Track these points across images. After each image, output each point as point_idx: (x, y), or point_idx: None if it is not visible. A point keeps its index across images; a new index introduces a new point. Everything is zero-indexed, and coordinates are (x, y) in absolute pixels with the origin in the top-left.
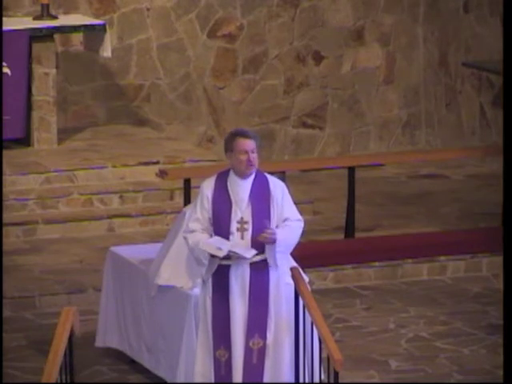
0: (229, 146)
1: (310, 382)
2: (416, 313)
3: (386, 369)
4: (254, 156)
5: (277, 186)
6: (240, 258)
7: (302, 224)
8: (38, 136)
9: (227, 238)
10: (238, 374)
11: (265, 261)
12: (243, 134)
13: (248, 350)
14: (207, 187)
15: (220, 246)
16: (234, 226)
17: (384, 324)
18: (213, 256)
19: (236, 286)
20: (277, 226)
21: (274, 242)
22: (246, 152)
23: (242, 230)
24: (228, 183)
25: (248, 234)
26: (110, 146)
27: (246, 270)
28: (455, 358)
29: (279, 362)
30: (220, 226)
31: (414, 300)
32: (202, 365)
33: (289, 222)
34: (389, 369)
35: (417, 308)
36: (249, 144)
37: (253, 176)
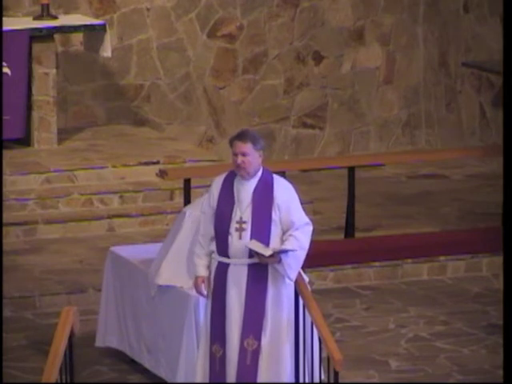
0: (231, 148)
1: (310, 382)
2: (416, 313)
3: (386, 369)
4: (245, 159)
5: (282, 189)
6: (259, 255)
7: (310, 228)
8: (37, 136)
9: (226, 238)
10: (231, 373)
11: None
12: (239, 137)
13: (243, 350)
14: (216, 184)
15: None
16: (233, 225)
17: (384, 324)
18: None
19: (233, 286)
20: (283, 230)
21: (278, 262)
22: (237, 154)
23: (240, 229)
24: (235, 182)
25: (246, 235)
26: (110, 146)
27: (244, 271)
28: (455, 357)
29: (277, 365)
30: (221, 224)
31: (413, 300)
32: (203, 357)
33: (294, 232)
34: (389, 369)
35: (417, 308)
36: (240, 147)
37: (258, 177)
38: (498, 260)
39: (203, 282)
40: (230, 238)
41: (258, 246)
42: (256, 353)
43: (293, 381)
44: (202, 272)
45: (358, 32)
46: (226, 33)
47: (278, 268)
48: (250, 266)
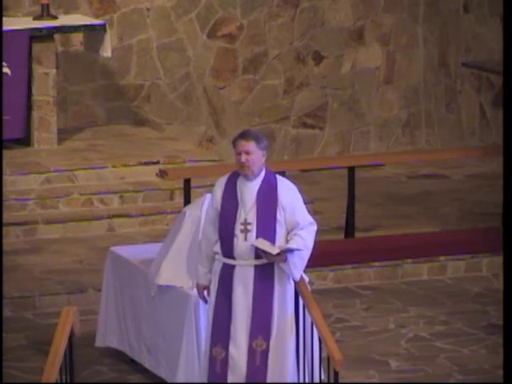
0: (234, 148)
1: (310, 382)
2: (416, 313)
3: (386, 369)
4: (249, 158)
5: (286, 189)
6: (266, 254)
7: (314, 227)
8: (37, 136)
9: (231, 239)
10: (238, 375)
11: (271, 263)
12: (242, 136)
13: (251, 351)
14: (219, 185)
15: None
16: (238, 227)
17: (384, 324)
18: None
19: (239, 287)
20: (288, 230)
21: (284, 261)
22: (240, 153)
23: (245, 231)
24: (238, 183)
25: (252, 236)
26: (110, 146)
27: (250, 272)
28: (455, 357)
29: (282, 362)
30: (226, 226)
31: (414, 300)
32: (205, 360)
33: (299, 231)
34: (389, 369)
35: (417, 308)
36: (244, 145)
37: (261, 177)
38: (498, 260)
39: (204, 288)
40: (235, 239)
41: (264, 245)
42: (265, 353)
43: (295, 379)
44: (203, 280)
45: (358, 32)
46: (226, 33)
47: (283, 267)
48: (257, 267)
